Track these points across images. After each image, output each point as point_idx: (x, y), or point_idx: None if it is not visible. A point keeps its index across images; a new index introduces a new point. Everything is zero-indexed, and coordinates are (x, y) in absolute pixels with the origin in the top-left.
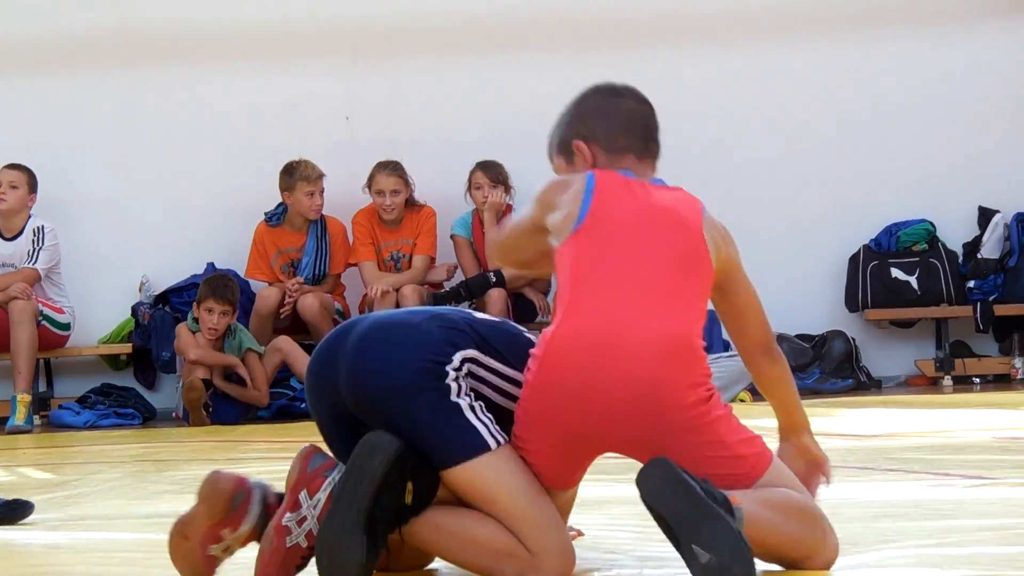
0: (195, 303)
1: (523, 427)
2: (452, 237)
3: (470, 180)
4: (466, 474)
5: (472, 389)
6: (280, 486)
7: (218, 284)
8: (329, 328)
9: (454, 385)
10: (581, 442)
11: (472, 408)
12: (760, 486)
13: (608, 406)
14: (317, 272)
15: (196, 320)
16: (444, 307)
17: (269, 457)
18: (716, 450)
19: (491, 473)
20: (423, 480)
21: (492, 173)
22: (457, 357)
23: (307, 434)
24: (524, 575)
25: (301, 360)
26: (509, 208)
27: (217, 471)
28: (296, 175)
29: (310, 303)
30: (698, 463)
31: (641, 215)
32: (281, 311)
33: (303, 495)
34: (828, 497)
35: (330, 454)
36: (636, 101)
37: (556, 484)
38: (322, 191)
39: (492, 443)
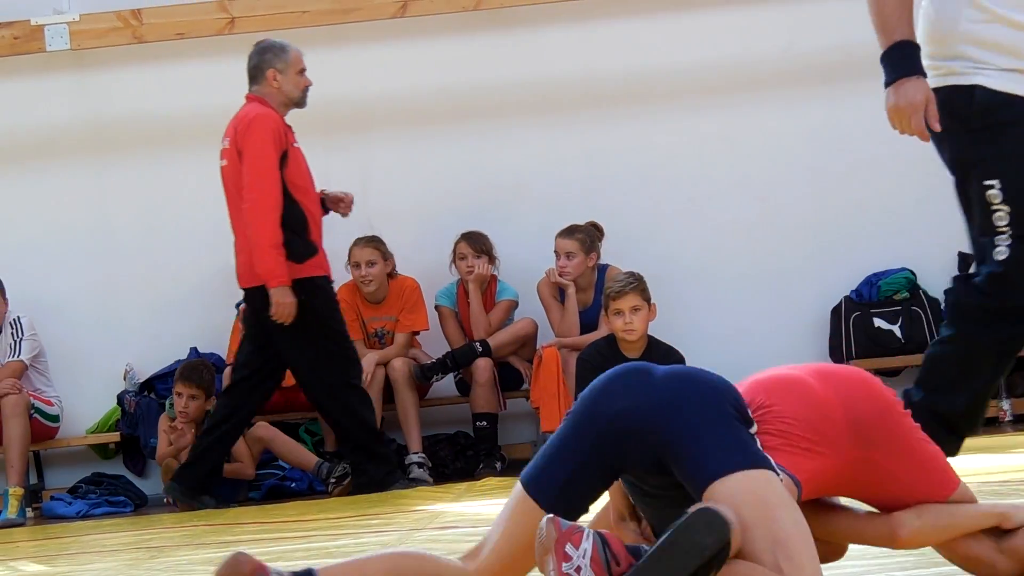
0: (172, 390)
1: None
2: (437, 308)
3: (454, 251)
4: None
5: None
6: (277, 565)
7: (188, 368)
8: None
9: None
10: None
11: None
12: None
13: None
14: None
15: (172, 406)
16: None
17: (261, 539)
18: None
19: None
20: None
21: (476, 244)
22: None
23: (298, 513)
24: None
25: (284, 444)
26: (494, 279)
27: (238, 553)
28: None
29: None
30: None
31: None
32: None
33: (569, 547)
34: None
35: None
36: None
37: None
38: None
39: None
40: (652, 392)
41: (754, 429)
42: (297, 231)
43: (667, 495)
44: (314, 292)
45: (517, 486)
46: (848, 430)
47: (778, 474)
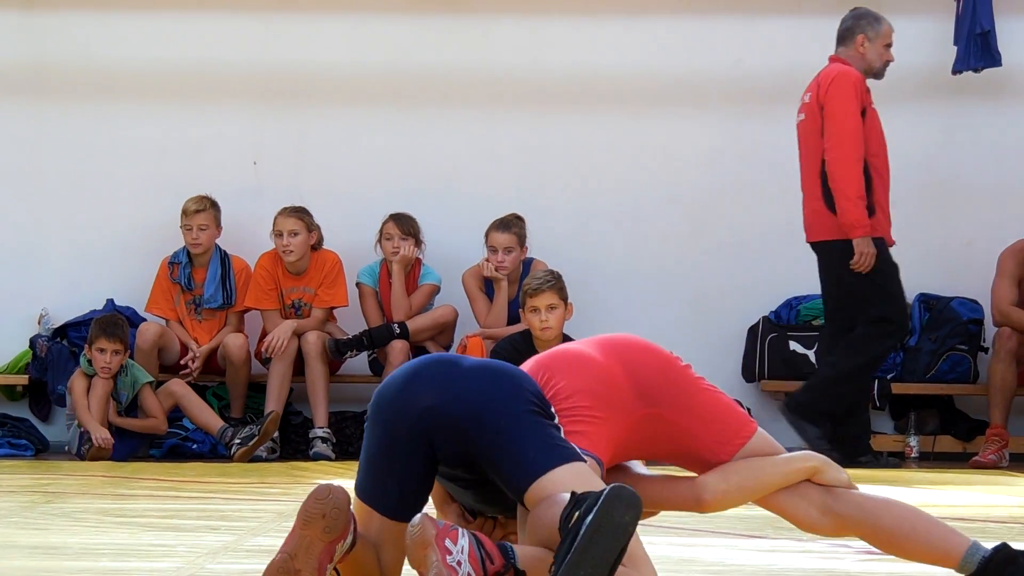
0: (87, 345)
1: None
2: (358, 285)
3: (381, 230)
4: None
5: None
6: (171, 523)
7: (108, 323)
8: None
9: None
10: None
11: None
12: None
13: None
14: (225, 300)
15: (90, 362)
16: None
17: (158, 495)
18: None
19: None
20: None
21: (404, 225)
22: None
23: (198, 474)
24: None
25: (194, 404)
26: (419, 262)
27: (323, 486)
28: (182, 210)
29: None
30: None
31: None
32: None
33: (448, 542)
34: (715, 565)
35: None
36: None
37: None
38: (202, 226)
39: None
40: (458, 390)
41: (556, 420)
42: (863, 190)
43: (476, 484)
44: None
45: (361, 504)
46: (632, 390)
47: (584, 460)
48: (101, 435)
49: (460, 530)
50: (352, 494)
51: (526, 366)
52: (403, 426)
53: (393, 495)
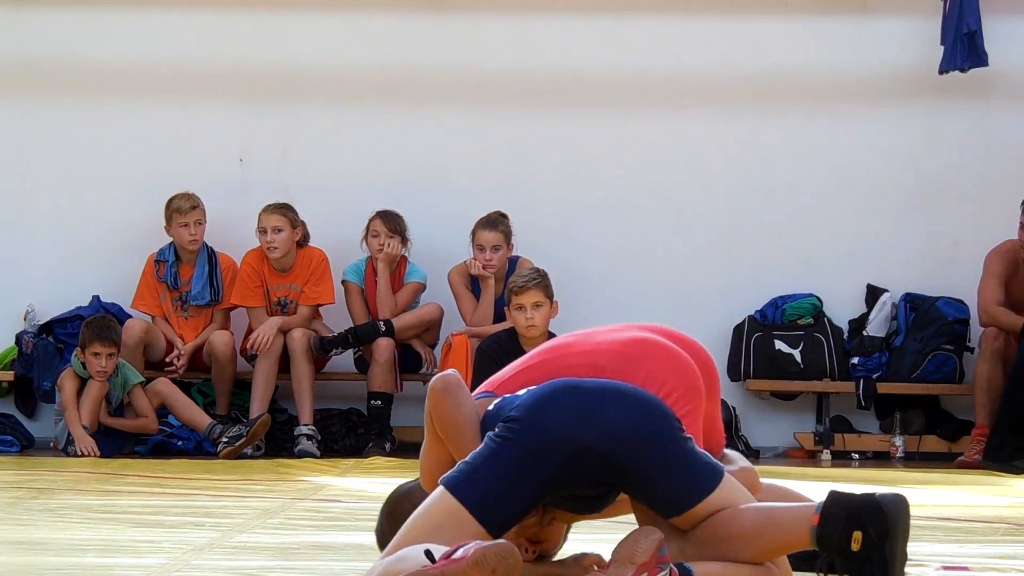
0: (79, 348)
1: None
2: (343, 283)
3: (368, 227)
4: None
5: None
6: (156, 519)
7: (101, 327)
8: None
9: None
10: None
11: None
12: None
13: None
14: (212, 298)
15: (84, 365)
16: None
17: (143, 491)
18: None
19: None
20: None
21: (390, 223)
22: None
23: (183, 471)
24: None
25: (181, 402)
26: (404, 260)
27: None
28: (171, 208)
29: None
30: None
31: None
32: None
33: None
34: None
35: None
36: None
37: None
38: (198, 222)
39: None
40: (619, 426)
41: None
42: None
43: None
44: None
45: (457, 506)
46: (705, 382)
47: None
48: (86, 444)
49: (666, 571)
50: (447, 492)
51: (607, 356)
52: (557, 457)
53: (510, 514)
